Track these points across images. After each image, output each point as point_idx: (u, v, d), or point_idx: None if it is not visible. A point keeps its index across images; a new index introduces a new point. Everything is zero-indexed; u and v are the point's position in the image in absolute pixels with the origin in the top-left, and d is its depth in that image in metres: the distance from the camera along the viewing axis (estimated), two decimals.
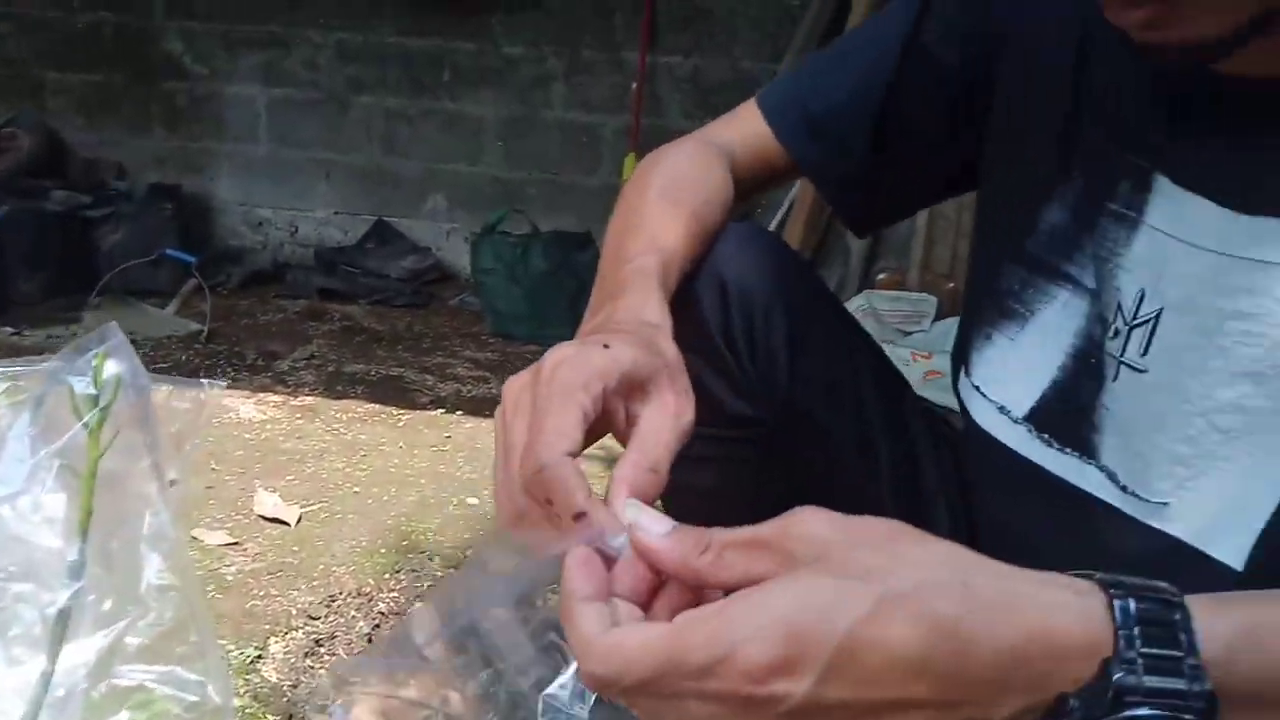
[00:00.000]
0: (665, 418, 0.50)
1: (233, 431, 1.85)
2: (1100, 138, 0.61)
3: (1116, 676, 0.33)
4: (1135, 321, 0.59)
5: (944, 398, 2.38)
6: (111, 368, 0.53)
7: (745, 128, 0.75)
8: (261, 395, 2.11)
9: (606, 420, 0.50)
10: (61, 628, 0.54)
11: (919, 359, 2.49)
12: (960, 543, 0.74)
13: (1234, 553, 0.55)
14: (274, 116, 3.61)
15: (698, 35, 3.41)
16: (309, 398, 2.12)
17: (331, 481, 1.66)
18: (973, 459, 0.72)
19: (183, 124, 3.65)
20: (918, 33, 0.69)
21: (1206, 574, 0.56)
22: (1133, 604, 0.35)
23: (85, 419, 0.53)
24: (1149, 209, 0.58)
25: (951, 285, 2.81)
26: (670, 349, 0.54)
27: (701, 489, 0.72)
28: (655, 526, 0.42)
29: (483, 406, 2.13)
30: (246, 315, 2.87)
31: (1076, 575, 0.38)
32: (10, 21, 3.66)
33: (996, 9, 0.67)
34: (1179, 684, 0.33)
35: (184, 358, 2.37)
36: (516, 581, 1.24)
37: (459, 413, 2.09)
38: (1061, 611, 0.36)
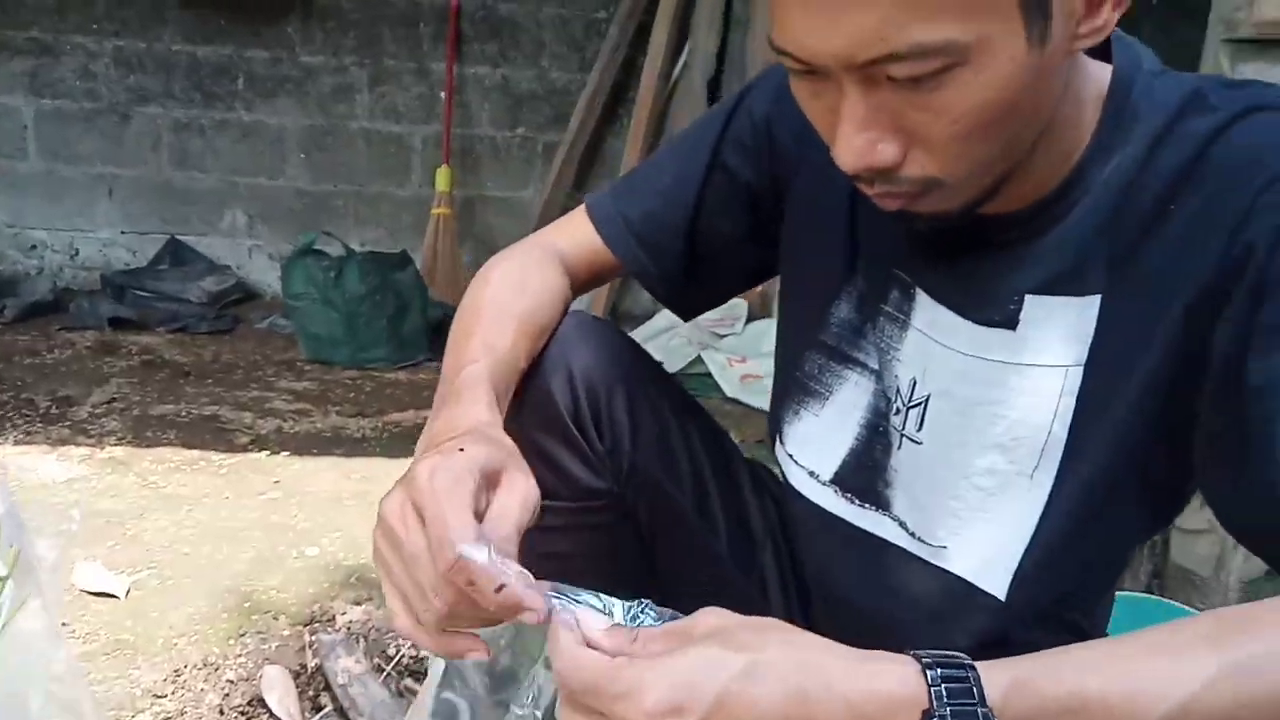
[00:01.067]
0: (513, 499, 0.58)
1: (36, 495, 1.73)
2: (874, 251, 0.73)
3: (935, 704, 0.44)
4: (911, 404, 0.71)
5: (761, 401, 2.56)
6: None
7: (578, 234, 0.83)
8: (63, 449, 1.97)
9: None
10: None
11: (735, 364, 2.65)
12: (786, 581, 0.85)
13: (998, 586, 0.68)
14: (44, 130, 3.32)
15: (505, 46, 3.42)
16: (117, 448, 2.00)
17: (157, 544, 1.59)
18: (792, 512, 0.83)
19: None
20: (718, 152, 0.79)
21: (978, 604, 0.69)
22: (938, 670, 0.46)
23: None
24: (914, 315, 0.71)
25: (760, 290, 3.00)
26: (507, 440, 0.62)
27: (563, 554, 0.80)
28: (595, 624, 0.50)
29: (309, 445, 2.09)
30: (29, 353, 2.65)
31: (894, 653, 0.48)
32: None
33: (779, 138, 0.77)
34: (967, 684, 0.45)
35: None
36: (367, 633, 1.26)
37: (284, 453, 2.04)
38: (886, 676, 0.46)
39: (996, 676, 0.46)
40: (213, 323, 3.04)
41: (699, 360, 2.70)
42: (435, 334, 2.96)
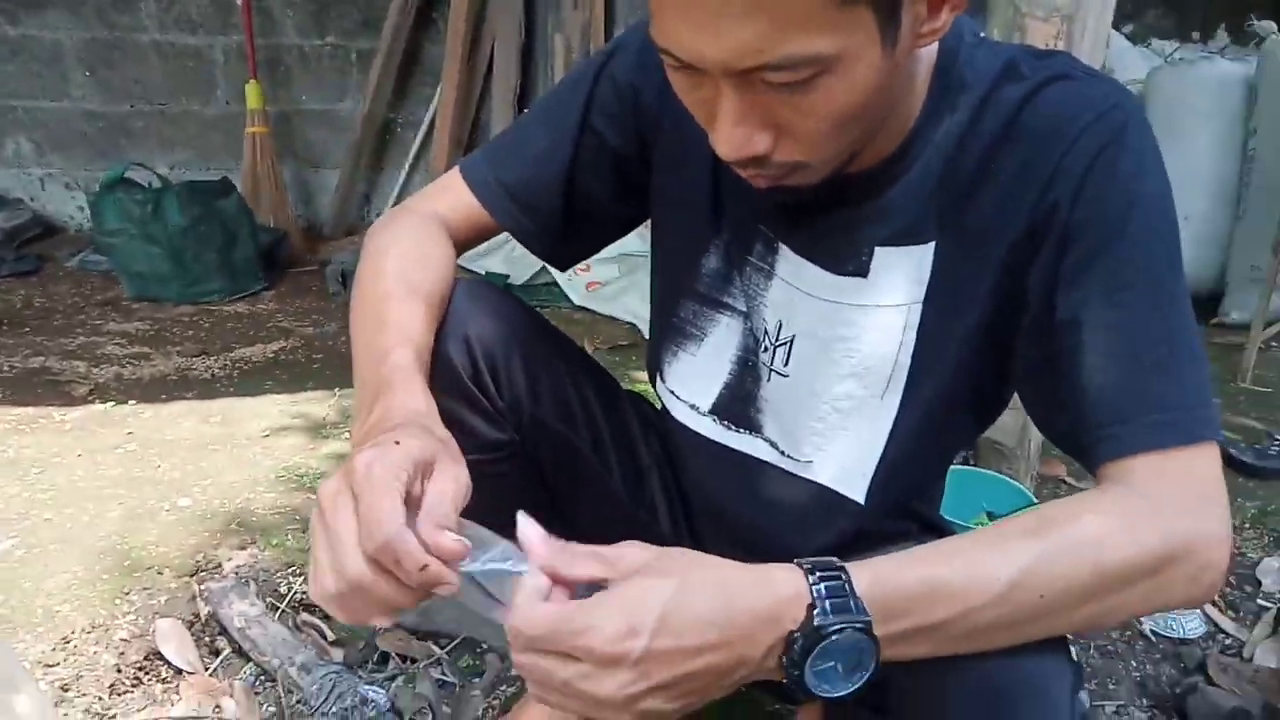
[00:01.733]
0: (447, 481, 0.63)
1: None
2: (738, 207, 0.81)
3: (816, 615, 0.56)
4: (778, 343, 0.81)
5: (607, 307, 2.64)
6: None
7: (455, 199, 0.87)
8: None
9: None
10: None
11: (580, 273, 2.72)
12: (672, 504, 0.95)
13: (858, 492, 0.81)
14: None
15: None
16: None
17: (13, 512, 1.53)
18: (674, 441, 0.93)
19: None
20: (586, 117, 0.84)
21: (841, 508, 0.82)
22: (817, 573, 0.57)
23: None
24: (777, 266, 0.80)
25: None
26: (442, 430, 0.68)
27: (474, 510, 0.87)
28: (535, 533, 0.60)
29: (156, 390, 2.02)
30: None
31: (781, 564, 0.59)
32: None
33: (644, 102, 0.83)
34: (850, 615, 0.56)
35: None
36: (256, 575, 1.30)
37: (131, 401, 1.96)
38: (780, 583, 0.58)
39: (861, 574, 0.57)
40: (14, 264, 2.81)
41: (544, 271, 2.74)
42: (267, 260, 2.86)
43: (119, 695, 1.20)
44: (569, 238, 0.90)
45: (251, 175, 3.11)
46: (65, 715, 1.15)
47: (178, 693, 1.22)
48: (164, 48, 3.19)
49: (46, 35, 3.07)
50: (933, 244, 0.73)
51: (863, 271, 0.75)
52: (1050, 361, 0.68)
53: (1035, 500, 1.41)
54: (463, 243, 0.88)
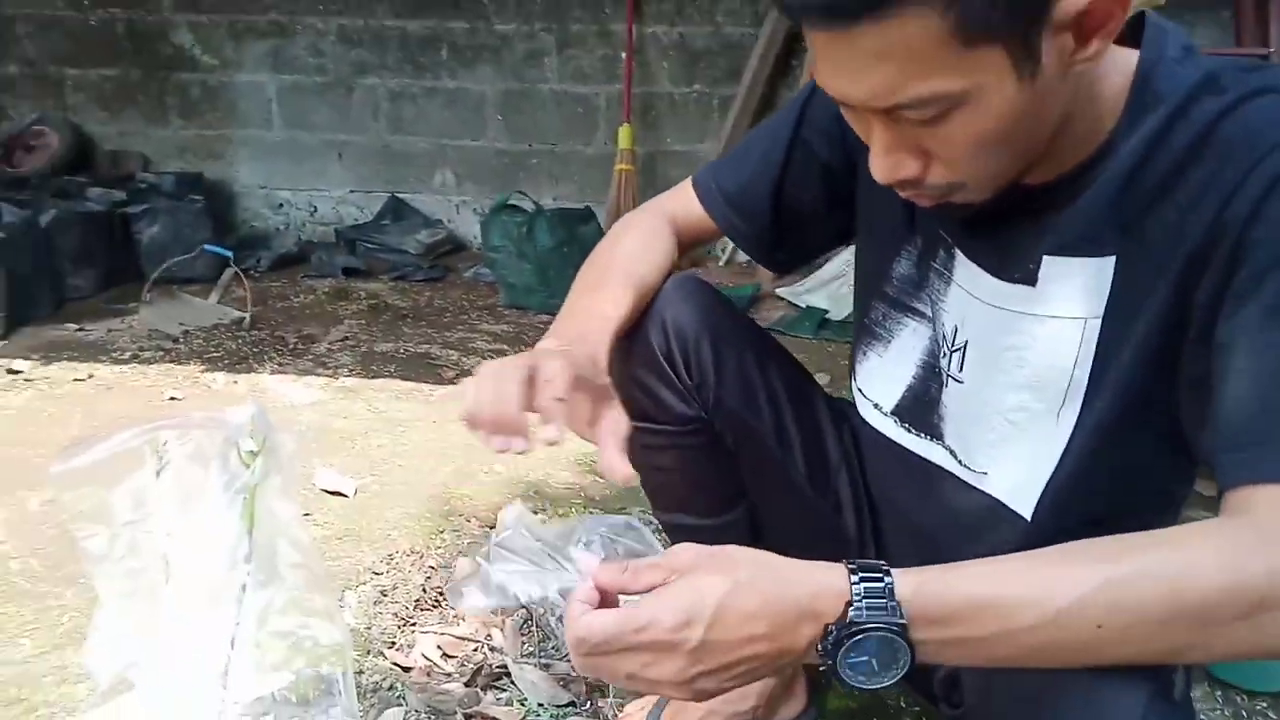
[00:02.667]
0: (621, 418, 0.79)
1: (287, 415, 2.12)
2: (927, 217, 0.84)
3: (852, 612, 0.59)
4: (954, 348, 0.84)
5: None
6: (259, 431, 0.80)
7: (685, 201, 1.00)
8: (307, 379, 2.38)
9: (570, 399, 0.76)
10: (241, 593, 0.82)
11: None
12: (859, 501, 1.00)
13: (1026, 508, 0.80)
14: (285, 102, 3.82)
15: (681, 4, 3.57)
16: (349, 379, 2.39)
17: (379, 457, 1.94)
18: (861, 439, 0.98)
19: (198, 114, 3.87)
20: (799, 131, 0.93)
21: (1009, 522, 0.81)
22: (860, 573, 0.60)
23: (250, 466, 0.79)
24: (955, 271, 0.83)
25: None
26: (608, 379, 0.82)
27: (665, 468, 1.00)
28: (592, 562, 0.68)
29: None
30: (280, 298, 3.13)
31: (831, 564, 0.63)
32: (28, 22, 3.85)
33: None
34: (885, 614, 0.58)
35: (234, 346, 2.62)
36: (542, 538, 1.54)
37: None
38: (824, 582, 0.61)
39: (907, 580, 0.60)
40: (427, 272, 3.43)
41: None
42: None
43: (421, 609, 1.48)
44: (780, 243, 0.99)
45: (615, 206, 3.51)
46: (379, 613, 1.45)
47: (463, 619, 1.47)
48: (560, 96, 3.71)
49: (474, 87, 3.73)
50: (1113, 257, 0.72)
51: (1030, 280, 0.76)
52: (1205, 380, 0.66)
53: None
54: (688, 241, 1.01)
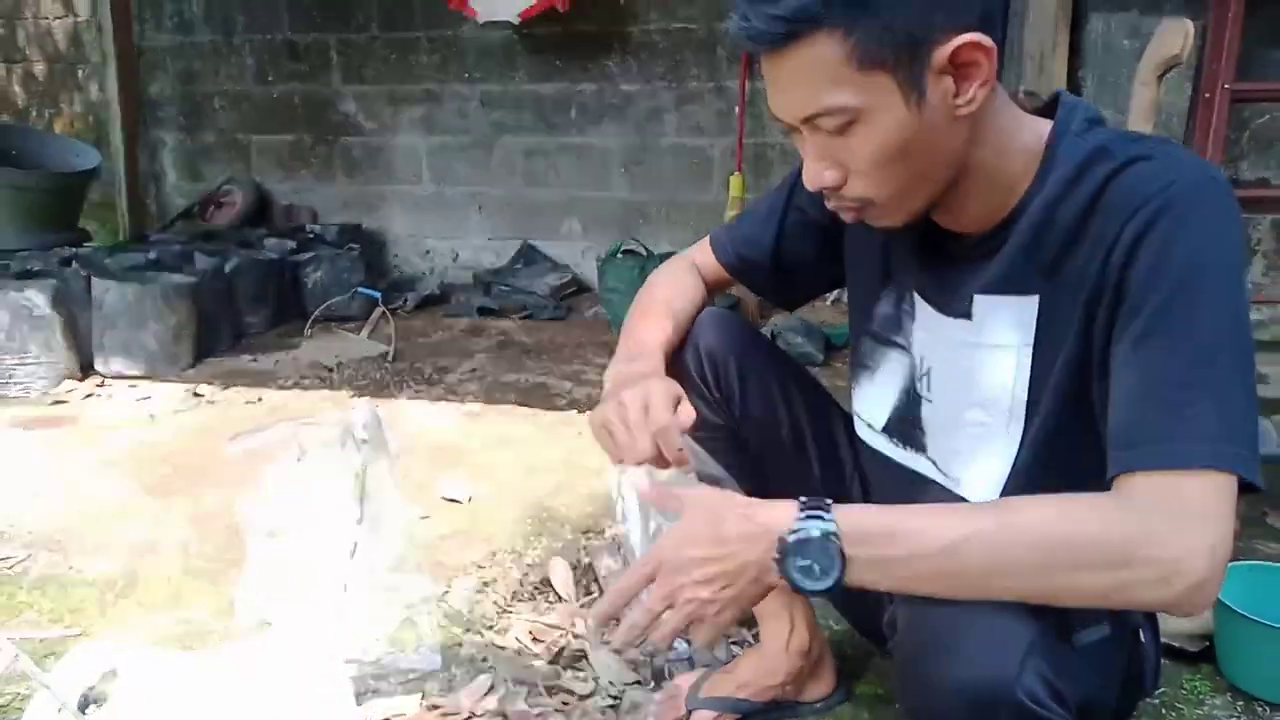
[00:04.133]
0: (689, 409, 0.98)
1: (418, 434, 2.42)
2: (898, 266, 1.01)
3: (796, 521, 0.78)
4: (923, 374, 1.00)
5: None
6: (370, 423, 1.05)
7: (705, 256, 1.21)
8: (438, 404, 2.69)
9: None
10: (354, 550, 1.07)
11: None
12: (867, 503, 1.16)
13: None
14: (433, 160, 4.25)
15: None
16: (474, 404, 2.69)
17: (492, 471, 2.20)
18: (861, 455, 1.14)
19: (359, 172, 4.36)
20: (793, 196, 1.12)
21: None
22: (804, 499, 0.79)
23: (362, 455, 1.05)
24: (916, 311, 0.99)
25: None
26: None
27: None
28: (644, 483, 0.91)
29: None
30: (421, 334, 3.49)
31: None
32: (222, 97, 4.45)
33: None
34: (820, 522, 0.77)
35: (378, 375, 2.98)
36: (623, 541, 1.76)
37: (588, 411, 2.59)
38: (777, 507, 0.81)
39: (843, 508, 0.78)
40: (553, 312, 3.73)
41: None
42: None
43: (518, 600, 1.70)
44: (781, 288, 1.18)
45: None
46: (480, 600, 1.68)
47: (555, 610, 1.69)
48: (678, 149, 3.97)
49: (600, 143, 4.04)
50: (1036, 297, 0.88)
51: (967, 314, 0.93)
52: (1103, 401, 0.80)
53: None
54: (711, 284, 1.21)
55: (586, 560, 1.80)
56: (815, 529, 0.77)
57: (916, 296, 0.99)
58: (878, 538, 0.77)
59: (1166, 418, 0.73)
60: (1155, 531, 0.70)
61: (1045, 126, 0.88)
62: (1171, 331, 0.75)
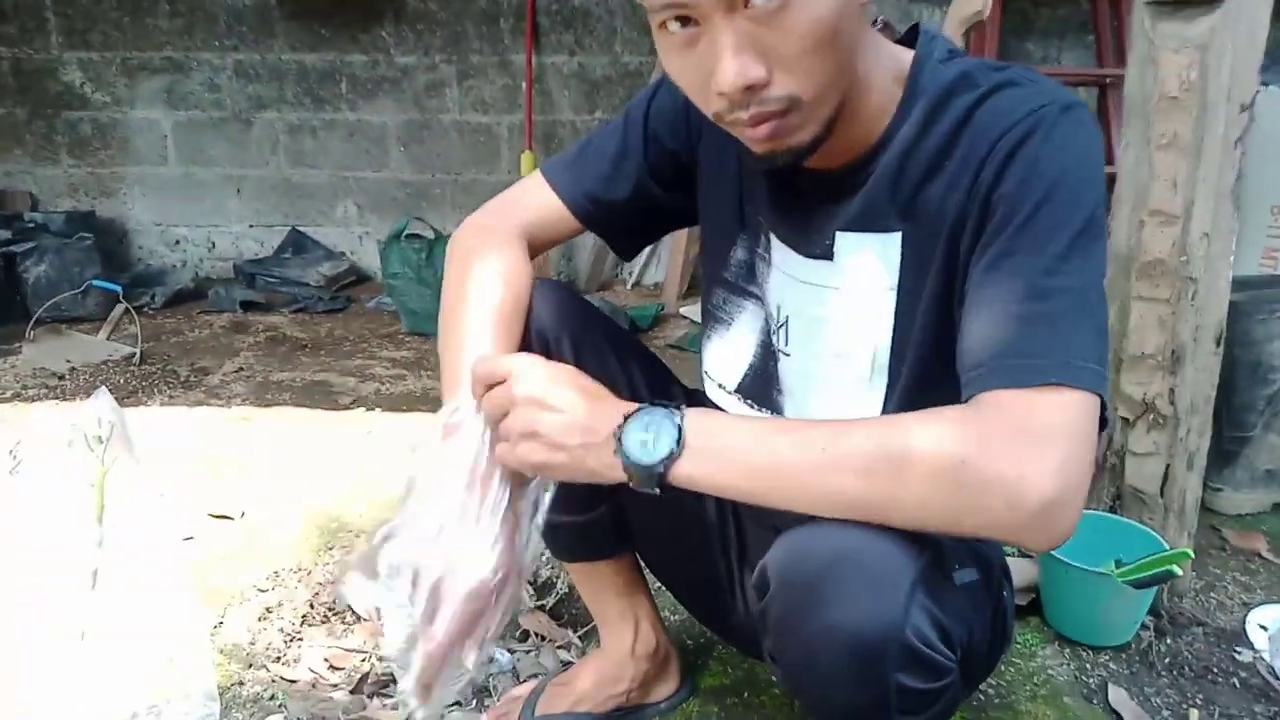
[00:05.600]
0: None
1: (177, 444, 2.09)
2: (753, 207, 0.91)
3: (643, 406, 0.73)
4: (779, 325, 0.90)
5: None
6: (107, 418, 0.81)
7: (541, 197, 1.01)
8: (198, 410, 2.34)
9: None
10: (94, 580, 0.82)
11: None
12: None
13: None
14: (180, 138, 3.77)
15: (579, 34, 3.65)
16: (242, 408, 2.36)
17: (268, 481, 1.92)
18: None
19: (89, 151, 3.80)
20: (649, 125, 0.98)
21: None
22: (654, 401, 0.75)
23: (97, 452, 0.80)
24: (772, 254, 0.90)
25: None
26: None
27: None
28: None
29: (400, 403, 2.40)
30: (174, 333, 3.07)
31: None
32: None
33: (693, 118, 0.95)
34: (666, 407, 0.74)
35: (121, 380, 2.57)
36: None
37: (378, 410, 2.35)
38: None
39: (694, 411, 0.74)
40: (329, 303, 3.41)
41: None
42: None
43: (308, 625, 1.47)
44: (636, 230, 1.04)
45: None
46: (263, 629, 1.44)
47: (353, 631, 1.47)
48: (462, 126, 3.75)
49: (375, 119, 3.74)
50: (899, 234, 0.80)
51: (828, 255, 0.84)
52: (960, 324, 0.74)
53: (1169, 549, 1.31)
54: (541, 245, 1.04)
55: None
56: (660, 411, 0.75)
57: (773, 239, 0.89)
58: (722, 428, 0.74)
59: (1025, 335, 0.68)
60: (993, 447, 0.64)
61: (907, 56, 0.81)
62: (1029, 249, 0.70)
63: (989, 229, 0.72)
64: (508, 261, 0.97)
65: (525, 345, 0.96)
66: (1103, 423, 0.69)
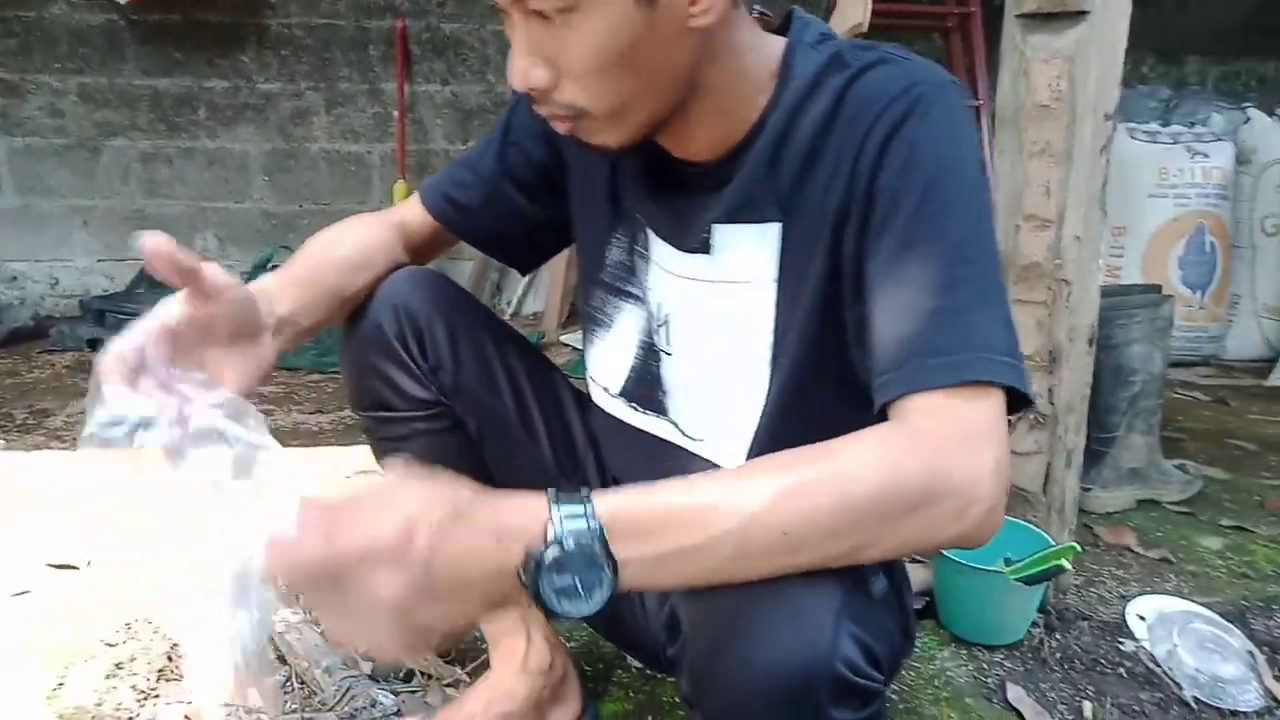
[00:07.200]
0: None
1: (9, 491, 1.89)
2: (629, 204, 0.88)
3: (551, 529, 0.57)
4: (660, 324, 0.87)
5: None
6: None
7: (415, 211, 0.99)
8: (35, 454, 2.13)
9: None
10: None
11: None
12: (605, 483, 1.00)
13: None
14: (17, 166, 3.50)
15: (452, 63, 3.60)
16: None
17: (119, 525, 1.75)
18: (598, 427, 0.98)
19: None
20: (508, 136, 0.95)
21: None
22: (558, 493, 0.59)
23: None
24: (651, 251, 0.87)
25: None
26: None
27: (417, 457, 0.96)
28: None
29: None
30: (9, 374, 2.82)
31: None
32: None
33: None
34: (584, 531, 0.57)
35: None
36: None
37: None
38: (527, 502, 0.59)
39: (606, 499, 0.59)
40: None
41: None
42: None
43: (166, 679, 1.33)
44: (505, 239, 1.00)
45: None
46: (113, 688, 1.29)
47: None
48: (331, 155, 3.62)
49: (237, 147, 3.57)
50: (778, 225, 0.77)
51: (705, 248, 0.81)
52: (861, 323, 0.71)
53: (1054, 544, 1.34)
54: (422, 246, 1.00)
55: (258, 615, 1.46)
56: (573, 534, 0.58)
57: (650, 235, 0.86)
58: (657, 527, 0.59)
59: (937, 332, 0.65)
60: (941, 462, 0.60)
61: (779, 42, 0.79)
62: (928, 240, 0.67)
63: (875, 220, 0.70)
64: (358, 233, 0.94)
65: (368, 323, 0.91)
66: (1027, 404, 0.66)
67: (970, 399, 0.63)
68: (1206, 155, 3.10)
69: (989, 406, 0.63)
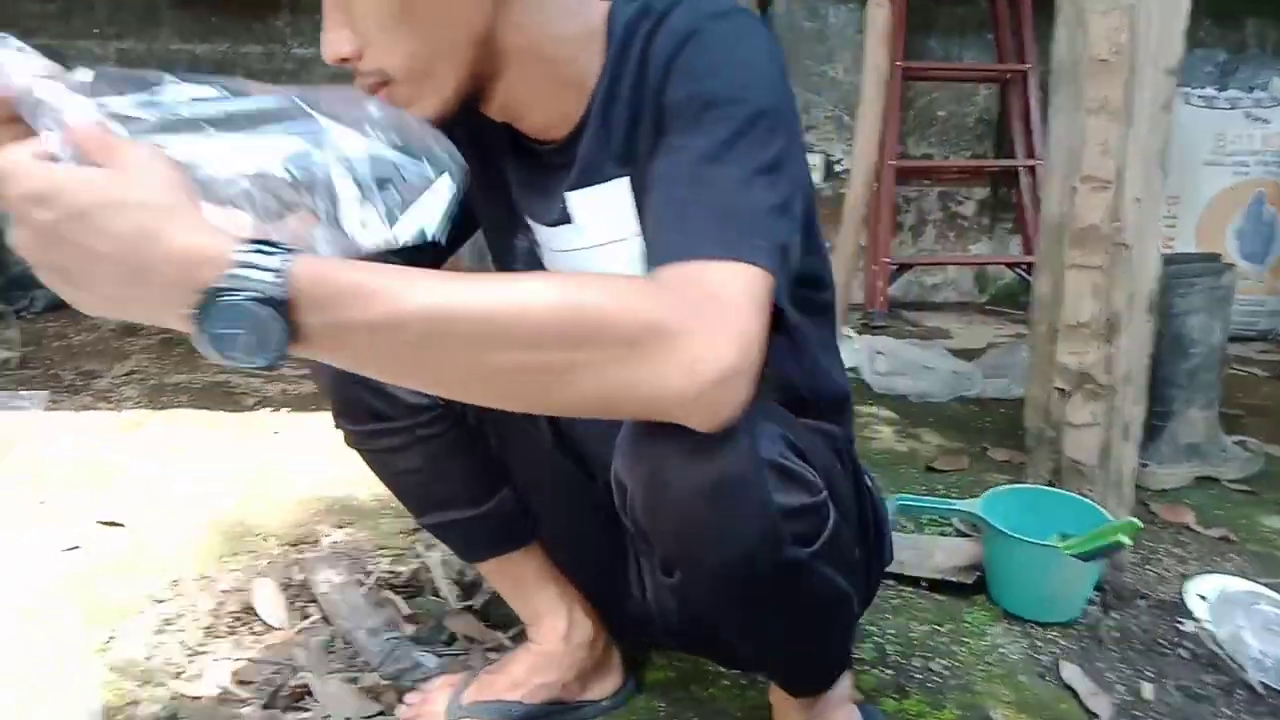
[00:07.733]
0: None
1: (59, 450, 1.91)
2: (518, 197, 0.89)
3: (228, 275, 0.53)
4: None
5: None
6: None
7: None
8: (84, 414, 2.16)
9: None
10: None
11: None
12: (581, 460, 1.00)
13: None
14: None
15: None
16: (134, 411, 2.19)
17: (165, 486, 1.77)
18: None
19: None
20: None
21: None
22: (258, 243, 0.54)
23: None
24: (534, 236, 0.90)
25: None
26: None
27: (413, 469, 0.96)
28: (79, 117, 0.58)
29: (307, 402, 2.26)
30: (58, 338, 2.85)
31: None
32: None
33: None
34: (264, 284, 0.52)
35: None
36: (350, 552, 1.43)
37: (285, 410, 2.21)
38: (216, 237, 0.54)
39: (310, 262, 0.54)
40: None
41: None
42: None
43: (213, 636, 1.34)
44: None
45: None
46: (162, 643, 1.30)
47: (263, 642, 1.35)
48: None
49: None
50: (625, 179, 0.80)
51: (566, 218, 0.84)
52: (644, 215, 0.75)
53: (1112, 520, 1.30)
54: None
55: (300, 577, 1.47)
56: (252, 287, 0.53)
57: (530, 221, 0.89)
58: (344, 296, 0.55)
59: (694, 216, 0.67)
60: (681, 310, 0.59)
61: (604, 7, 0.81)
62: (695, 138, 0.70)
63: (665, 130, 0.73)
64: None
65: None
66: (778, 323, 0.66)
67: (716, 270, 0.63)
68: (1266, 121, 3.00)
69: (736, 276, 0.63)
